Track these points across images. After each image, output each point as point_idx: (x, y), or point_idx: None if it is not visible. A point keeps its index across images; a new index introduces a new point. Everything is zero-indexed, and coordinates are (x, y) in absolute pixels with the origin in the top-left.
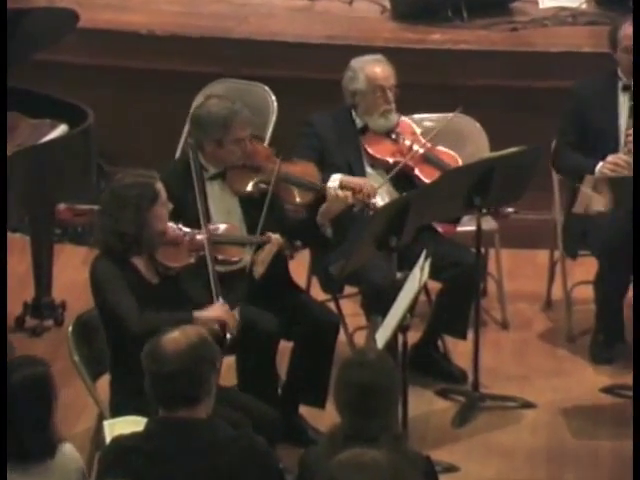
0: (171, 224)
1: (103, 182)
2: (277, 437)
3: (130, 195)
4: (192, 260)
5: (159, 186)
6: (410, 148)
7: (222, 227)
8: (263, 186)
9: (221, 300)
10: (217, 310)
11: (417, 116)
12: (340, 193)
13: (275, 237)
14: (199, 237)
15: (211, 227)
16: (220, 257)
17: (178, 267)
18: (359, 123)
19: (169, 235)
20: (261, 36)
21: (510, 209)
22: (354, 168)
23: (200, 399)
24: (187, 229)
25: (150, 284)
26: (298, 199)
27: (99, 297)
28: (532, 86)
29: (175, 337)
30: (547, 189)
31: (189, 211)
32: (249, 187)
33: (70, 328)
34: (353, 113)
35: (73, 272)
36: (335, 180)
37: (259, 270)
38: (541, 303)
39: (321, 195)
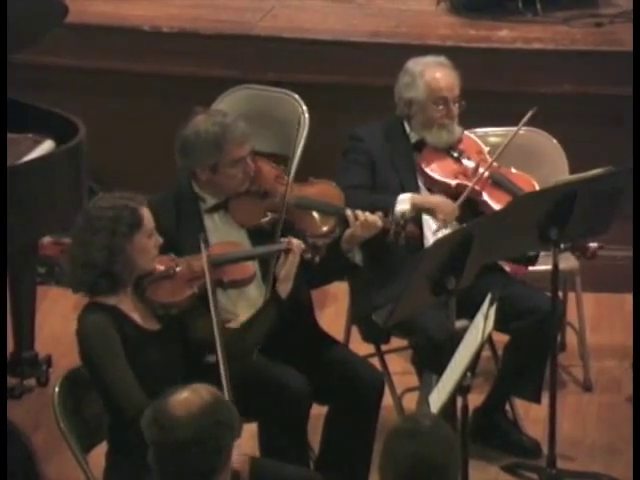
0: (162, 258)
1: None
2: None
3: (104, 217)
4: (195, 290)
5: (144, 212)
6: (476, 169)
7: (220, 245)
8: (272, 214)
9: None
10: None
11: (480, 130)
12: (369, 217)
13: (295, 242)
14: (197, 262)
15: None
16: (226, 279)
17: (179, 302)
18: (413, 137)
19: (160, 269)
20: (290, 33)
21: (594, 244)
22: (407, 191)
23: (217, 472)
24: (181, 259)
25: (148, 332)
26: (319, 227)
27: (90, 368)
28: (621, 94)
29: (186, 398)
30: None
31: (181, 248)
32: (258, 217)
33: (56, 389)
34: (406, 125)
35: (60, 320)
36: (404, 202)
37: (285, 288)
38: (632, 359)
39: (344, 219)
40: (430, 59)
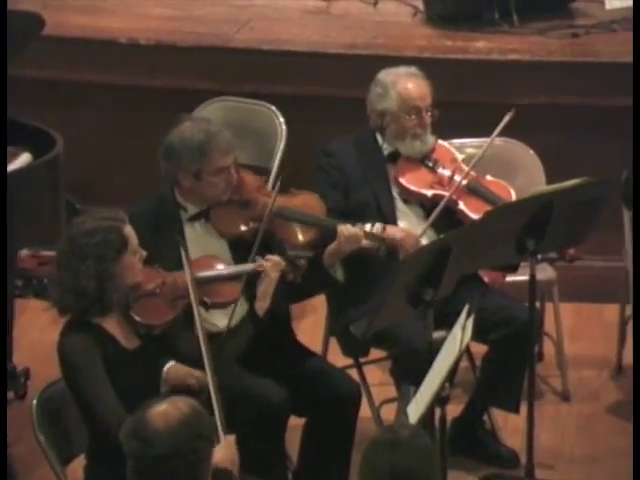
0: (146, 270)
1: None
2: None
3: (91, 243)
4: (178, 311)
5: (128, 230)
6: (451, 178)
7: (198, 262)
8: (254, 224)
9: (227, 438)
10: (221, 454)
11: (457, 141)
12: (351, 230)
13: (275, 259)
14: (181, 279)
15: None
16: (210, 301)
17: (162, 324)
18: (386, 149)
19: (144, 286)
20: (267, 45)
21: (574, 259)
22: (383, 204)
23: None
24: (166, 274)
25: (127, 350)
26: (299, 238)
27: (71, 385)
28: (598, 104)
29: (164, 410)
30: (617, 230)
31: (162, 260)
32: (239, 227)
33: (35, 401)
34: (378, 137)
35: (38, 333)
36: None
37: (262, 305)
38: (610, 369)
39: (327, 232)
40: (401, 69)
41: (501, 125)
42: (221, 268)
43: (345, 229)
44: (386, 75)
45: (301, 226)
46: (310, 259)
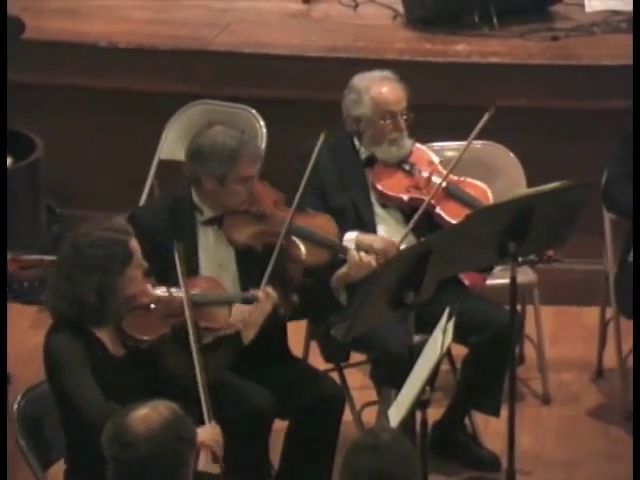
0: (143, 283)
1: (55, 227)
2: None
3: (97, 256)
4: (167, 330)
5: (133, 244)
6: (428, 181)
7: (198, 283)
8: (267, 238)
9: (213, 423)
10: (206, 434)
11: (437, 144)
12: (364, 257)
13: (270, 292)
14: (176, 298)
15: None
16: (202, 324)
17: (151, 339)
18: (364, 153)
19: (140, 298)
20: (247, 48)
21: (553, 260)
22: (361, 209)
23: None
24: (161, 288)
25: (113, 357)
26: (309, 257)
27: (55, 380)
28: (578, 107)
29: (145, 414)
30: (597, 233)
31: (172, 261)
32: (250, 237)
33: (15, 406)
34: (355, 141)
35: (19, 337)
36: (349, 241)
37: (249, 334)
38: (590, 373)
39: (337, 255)
40: (375, 74)
41: (481, 123)
42: (218, 292)
43: (357, 256)
44: (360, 80)
45: (313, 246)
46: (317, 280)
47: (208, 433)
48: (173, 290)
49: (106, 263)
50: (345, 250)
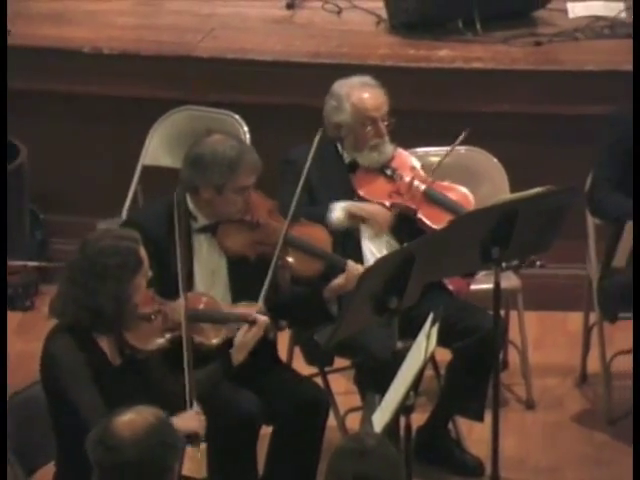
0: (145, 293)
1: (38, 233)
2: None
3: (111, 265)
4: (165, 343)
5: (143, 252)
6: (410, 186)
7: (196, 299)
8: (260, 247)
9: (195, 407)
10: (190, 421)
11: (421, 150)
12: (360, 269)
13: (262, 318)
14: (175, 312)
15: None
16: (197, 339)
17: (149, 350)
18: (347, 158)
19: (142, 309)
20: (231, 53)
21: (536, 262)
22: None
23: None
24: (161, 301)
25: (111, 365)
26: (302, 268)
27: (54, 384)
28: (561, 113)
29: (130, 419)
30: (581, 238)
31: (172, 268)
32: (244, 246)
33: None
34: (339, 146)
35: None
36: (338, 209)
37: (239, 357)
38: (574, 378)
39: (332, 266)
40: (355, 80)
41: (457, 141)
42: (214, 310)
43: (355, 268)
44: (340, 87)
45: (307, 257)
46: (311, 290)
47: (192, 418)
48: (173, 303)
49: (119, 272)
50: (343, 262)
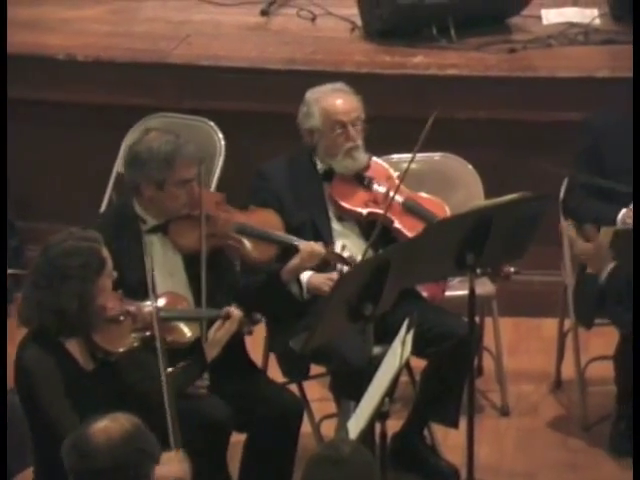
0: (112, 295)
1: (13, 240)
2: None
3: (73, 265)
4: (136, 343)
5: (105, 253)
6: (386, 195)
7: (164, 298)
8: (214, 240)
9: (180, 452)
10: (174, 466)
11: (396, 156)
12: (315, 247)
13: (236, 312)
14: (145, 312)
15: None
16: (169, 338)
17: (121, 352)
18: (321, 167)
19: (110, 310)
20: (205, 60)
21: (511, 269)
22: (318, 225)
23: None
24: (129, 302)
25: (84, 371)
26: (257, 255)
27: (28, 396)
28: (536, 119)
29: (106, 426)
30: (556, 244)
31: (126, 276)
32: (197, 242)
33: None
34: (313, 155)
35: None
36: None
37: (213, 352)
38: (549, 384)
39: (286, 249)
40: (327, 87)
41: (426, 128)
42: (185, 308)
43: (308, 245)
44: (311, 93)
45: (261, 243)
46: (269, 275)
47: (176, 466)
48: (141, 304)
49: (82, 271)
50: (294, 241)
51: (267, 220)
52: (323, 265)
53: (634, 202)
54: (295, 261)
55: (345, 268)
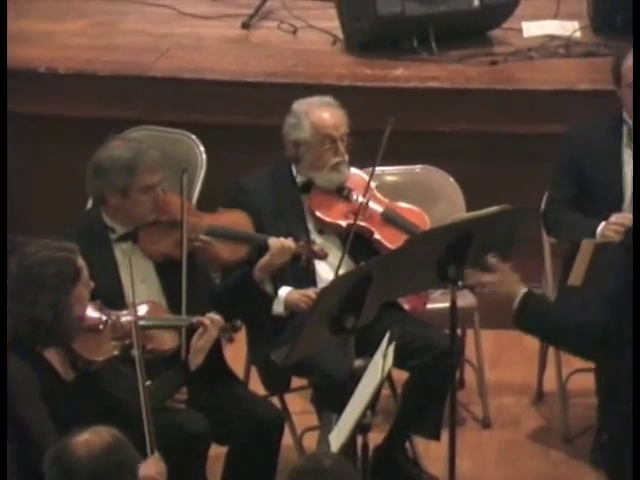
0: (90, 304)
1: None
2: None
3: (47, 274)
4: (116, 352)
5: (81, 262)
6: (365, 206)
7: (143, 306)
8: (184, 245)
9: (156, 454)
10: (150, 468)
11: (377, 169)
12: (285, 242)
13: (216, 318)
14: (124, 320)
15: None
16: (149, 346)
17: (101, 361)
18: (300, 180)
19: (88, 320)
20: (186, 73)
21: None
22: (297, 237)
23: None
24: (108, 311)
25: (64, 381)
26: (228, 255)
27: (9, 411)
28: (517, 132)
29: (87, 439)
30: (537, 256)
31: (98, 285)
32: (168, 247)
33: None
34: (293, 168)
35: None
36: (280, 304)
37: (196, 360)
38: (531, 396)
39: (257, 248)
40: (315, 99)
41: (385, 135)
42: (164, 316)
43: (277, 241)
44: (300, 105)
45: (231, 243)
46: (242, 275)
47: (152, 466)
48: (120, 313)
49: (56, 281)
50: (264, 239)
51: (236, 220)
52: (295, 260)
53: (634, 206)
54: (266, 258)
55: (317, 262)
